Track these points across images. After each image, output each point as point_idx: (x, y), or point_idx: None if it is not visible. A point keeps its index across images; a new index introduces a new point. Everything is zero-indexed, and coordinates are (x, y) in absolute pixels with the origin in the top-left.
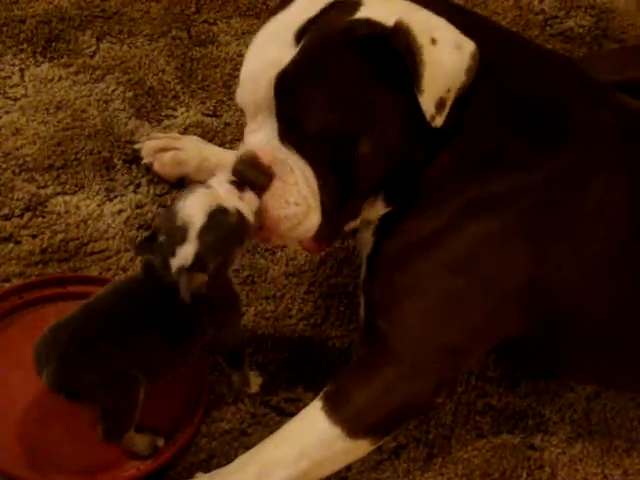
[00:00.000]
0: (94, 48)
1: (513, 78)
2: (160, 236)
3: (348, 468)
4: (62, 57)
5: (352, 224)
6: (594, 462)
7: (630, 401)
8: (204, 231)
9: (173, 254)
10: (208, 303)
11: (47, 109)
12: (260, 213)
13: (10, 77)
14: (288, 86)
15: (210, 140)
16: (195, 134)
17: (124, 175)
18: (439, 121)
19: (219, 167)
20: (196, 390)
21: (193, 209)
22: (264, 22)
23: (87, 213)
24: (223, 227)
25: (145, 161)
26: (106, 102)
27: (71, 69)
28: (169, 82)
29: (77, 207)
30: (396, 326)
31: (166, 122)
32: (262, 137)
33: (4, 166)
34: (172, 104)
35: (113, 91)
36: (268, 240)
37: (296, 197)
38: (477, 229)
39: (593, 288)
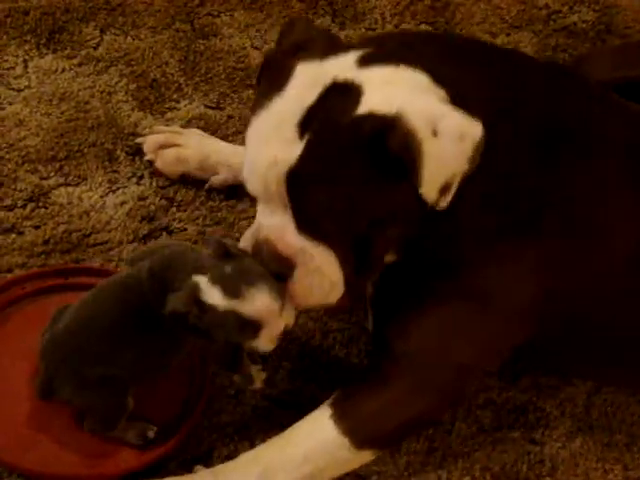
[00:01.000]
0: (98, 40)
1: (524, 111)
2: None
3: None
4: (65, 49)
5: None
6: (594, 457)
7: (631, 396)
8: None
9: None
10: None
11: (50, 100)
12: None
13: (14, 68)
14: (300, 187)
15: (213, 133)
16: (198, 127)
17: (127, 167)
18: (444, 204)
19: (220, 165)
20: (198, 382)
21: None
22: (258, 103)
23: (90, 204)
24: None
25: (147, 158)
26: (109, 94)
27: (74, 61)
28: (172, 74)
29: (80, 198)
30: (407, 342)
31: (169, 114)
32: (277, 222)
33: (7, 157)
34: (175, 96)
35: (116, 83)
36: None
37: (319, 281)
38: (491, 251)
39: (605, 299)
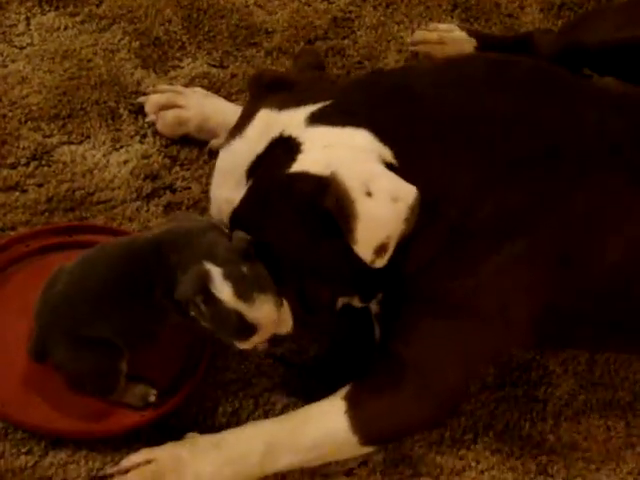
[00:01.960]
0: None
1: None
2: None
3: None
4: (68, 6)
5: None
6: (597, 414)
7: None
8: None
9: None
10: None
11: (53, 58)
12: None
13: (16, 25)
14: (239, 228)
15: (216, 91)
16: (201, 85)
17: (130, 125)
18: (380, 264)
19: (220, 127)
20: (201, 339)
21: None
22: (232, 131)
23: (93, 163)
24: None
25: (148, 119)
26: (112, 52)
27: (77, 18)
28: (175, 32)
29: (83, 157)
30: (410, 355)
31: (172, 73)
32: None
33: (10, 115)
34: (178, 55)
35: (119, 41)
36: None
37: None
38: (490, 261)
39: (609, 291)
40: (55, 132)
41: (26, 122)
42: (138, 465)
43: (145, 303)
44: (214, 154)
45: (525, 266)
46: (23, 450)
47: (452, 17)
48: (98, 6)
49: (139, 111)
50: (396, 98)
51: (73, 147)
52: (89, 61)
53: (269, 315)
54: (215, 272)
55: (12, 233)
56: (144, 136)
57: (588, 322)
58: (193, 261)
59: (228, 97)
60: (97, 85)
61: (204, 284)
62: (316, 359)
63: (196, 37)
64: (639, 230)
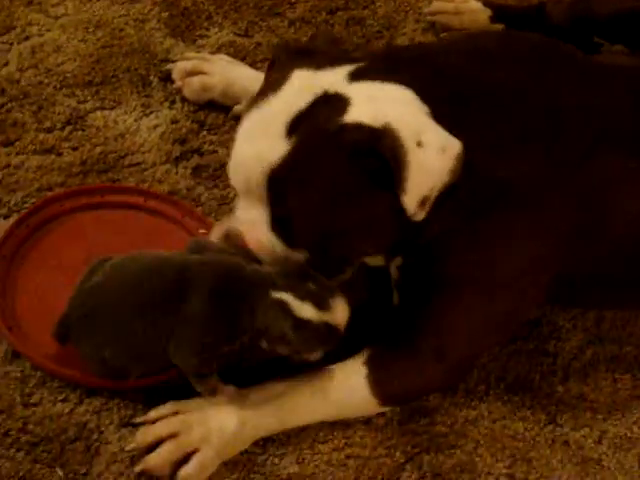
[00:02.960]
0: None
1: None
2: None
3: None
4: None
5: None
6: (604, 367)
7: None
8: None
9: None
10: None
11: (86, 28)
12: None
13: None
14: (279, 186)
15: (241, 60)
16: (227, 53)
17: (159, 92)
18: (420, 217)
19: (243, 93)
20: None
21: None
22: (254, 100)
23: (125, 127)
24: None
25: (175, 85)
26: (142, 22)
27: None
28: (203, 3)
29: (115, 121)
30: (429, 323)
31: (200, 41)
32: (252, 217)
33: (46, 82)
34: (205, 24)
35: (149, 11)
36: None
37: None
38: (505, 232)
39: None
40: (89, 98)
41: (61, 88)
42: (166, 416)
43: (166, 324)
44: (238, 120)
45: (541, 236)
46: (60, 398)
47: None
48: None
49: (168, 78)
50: (420, 66)
51: (106, 112)
52: (121, 30)
53: (347, 312)
54: (288, 298)
55: (48, 193)
56: (173, 102)
57: (597, 284)
58: (262, 296)
59: (253, 65)
60: (128, 53)
61: (288, 311)
62: None
63: (222, 7)
64: None
